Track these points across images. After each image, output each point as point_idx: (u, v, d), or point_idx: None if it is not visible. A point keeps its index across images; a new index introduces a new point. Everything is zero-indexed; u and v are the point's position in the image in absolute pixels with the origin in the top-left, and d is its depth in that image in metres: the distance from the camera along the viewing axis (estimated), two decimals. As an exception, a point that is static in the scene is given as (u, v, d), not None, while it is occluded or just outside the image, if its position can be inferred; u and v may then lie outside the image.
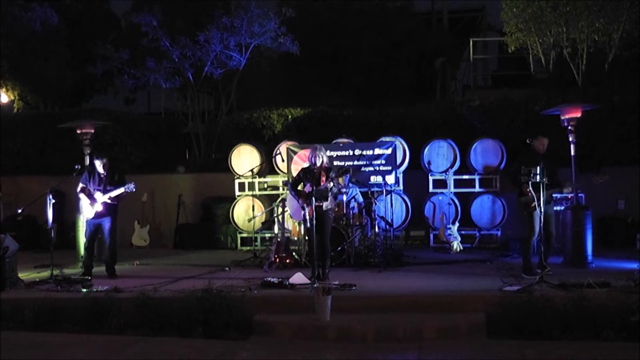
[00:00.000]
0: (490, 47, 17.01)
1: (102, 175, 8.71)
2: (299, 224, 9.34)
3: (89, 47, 13.49)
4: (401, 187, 10.94)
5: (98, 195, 8.62)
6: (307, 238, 8.42)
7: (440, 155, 10.92)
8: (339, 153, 10.85)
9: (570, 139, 8.70)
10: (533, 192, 7.66)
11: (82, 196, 8.75)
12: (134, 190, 8.61)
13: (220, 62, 12.58)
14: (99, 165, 8.68)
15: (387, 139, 10.99)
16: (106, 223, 8.75)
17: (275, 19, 12.25)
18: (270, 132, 12.55)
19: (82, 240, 9.27)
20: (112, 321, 6.66)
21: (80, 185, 8.80)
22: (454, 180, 10.82)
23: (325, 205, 7.90)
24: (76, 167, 8.88)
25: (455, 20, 18.38)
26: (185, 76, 12.63)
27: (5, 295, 7.36)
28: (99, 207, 8.62)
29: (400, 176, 10.96)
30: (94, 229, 8.79)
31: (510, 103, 11.75)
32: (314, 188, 7.79)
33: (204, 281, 7.31)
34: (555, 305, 6.29)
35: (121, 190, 8.54)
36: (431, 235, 10.86)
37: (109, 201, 8.62)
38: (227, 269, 9.09)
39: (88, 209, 8.68)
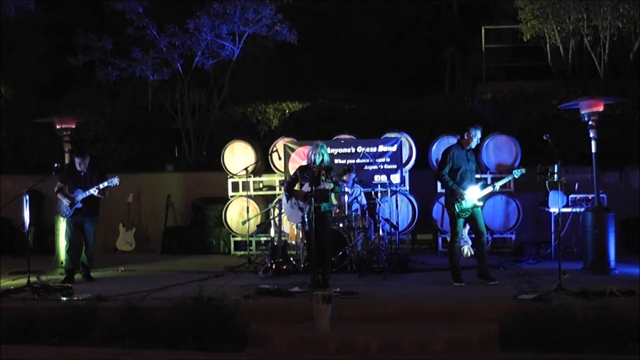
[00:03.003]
0: (504, 36, 16.93)
1: (83, 174, 8.76)
2: (297, 227, 9.32)
3: (69, 36, 13.43)
4: (407, 187, 10.92)
5: (79, 192, 8.65)
6: (305, 242, 8.40)
7: None
8: (340, 150, 10.83)
9: (591, 135, 8.70)
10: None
11: (60, 196, 8.78)
12: (118, 184, 8.71)
13: (212, 52, 12.55)
14: (79, 163, 8.73)
15: (392, 135, 10.96)
16: (88, 223, 8.83)
17: (271, 5, 12.22)
18: (266, 127, 12.52)
19: (61, 244, 9.27)
20: (95, 333, 6.63)
21: (58, 184, 8.84)
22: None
23: (325, 206, 7.88)
24: (55, 165, 8.89)
25: (466, 6, 18.31)
26: (174, 67, 12.61)
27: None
28: (80, 205, 8.66)
29: (406, 175, 10.94)
30: (77, 229, 8.82)
31: (525, 96, 11.72)
32: (313, 188, 7.75)
33: (194, 289, 7.26)
34: (574, 315, 6.27)
35: (110, 183, 8.61)
36: (439, 239, 10.84)
37: (95, 193, 8.63)
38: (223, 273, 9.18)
39: (67, 207, 8.70)
